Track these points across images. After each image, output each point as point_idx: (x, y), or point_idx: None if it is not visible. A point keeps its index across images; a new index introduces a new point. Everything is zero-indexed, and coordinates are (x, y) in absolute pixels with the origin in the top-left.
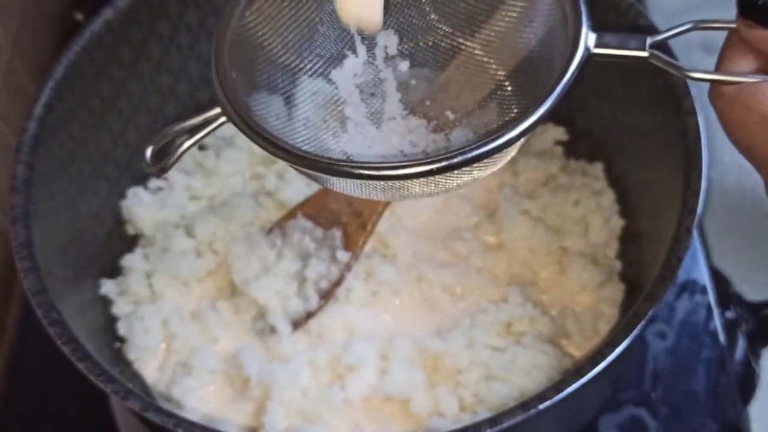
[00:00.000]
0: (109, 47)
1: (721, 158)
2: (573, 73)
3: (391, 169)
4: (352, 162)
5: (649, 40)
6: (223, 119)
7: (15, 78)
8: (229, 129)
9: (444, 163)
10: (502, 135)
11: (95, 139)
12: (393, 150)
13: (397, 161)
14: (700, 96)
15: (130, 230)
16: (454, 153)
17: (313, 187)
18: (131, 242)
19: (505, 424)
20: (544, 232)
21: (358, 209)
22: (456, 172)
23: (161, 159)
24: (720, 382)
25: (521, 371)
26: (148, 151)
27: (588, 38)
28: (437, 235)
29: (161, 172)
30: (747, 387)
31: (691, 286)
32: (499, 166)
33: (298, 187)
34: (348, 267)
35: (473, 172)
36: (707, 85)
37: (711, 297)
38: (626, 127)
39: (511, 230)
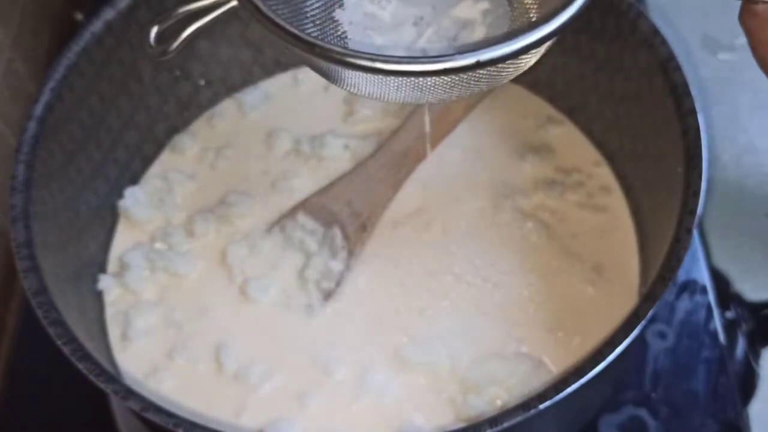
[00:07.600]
0: (109, 47)
1: (721, 158)
2: None
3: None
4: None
5: None
6: (234, 2)
7: (15, 78)
8: (229, 130)
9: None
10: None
11: (95, 139)
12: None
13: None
14: (700, 96)
15: (130, 230)
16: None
17: (313, 187)
18: (131, 242)
19: (505, 424)
20: (543, 233)
21: (358, 209)
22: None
23: (165, 42)
24: (720, 382)
25: (503, 382)
26: (153, 31)
27: None
28: (431, 238)
29: (163, 54)
30: (747, 387)
31: (691, 286)
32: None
33: (298, 187)
34: (348, 267)
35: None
36: (706, 86)
37: (711, 297)
38: (626, 127)
39: (509, 231)
